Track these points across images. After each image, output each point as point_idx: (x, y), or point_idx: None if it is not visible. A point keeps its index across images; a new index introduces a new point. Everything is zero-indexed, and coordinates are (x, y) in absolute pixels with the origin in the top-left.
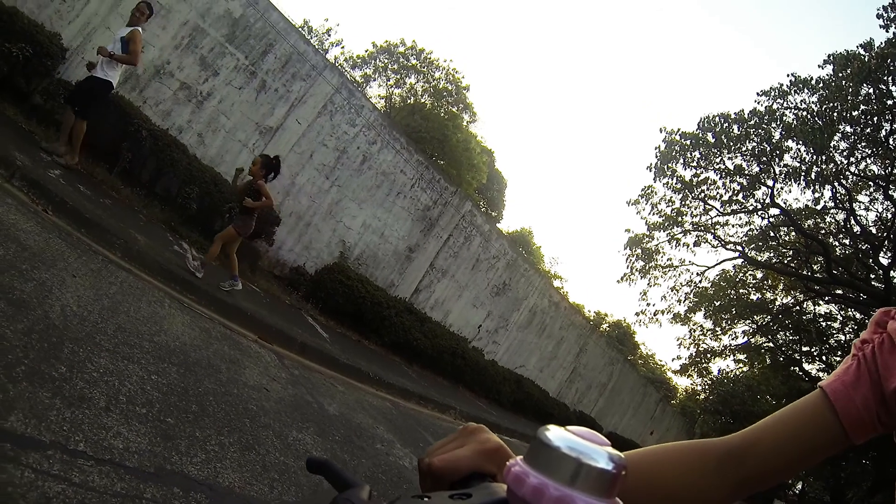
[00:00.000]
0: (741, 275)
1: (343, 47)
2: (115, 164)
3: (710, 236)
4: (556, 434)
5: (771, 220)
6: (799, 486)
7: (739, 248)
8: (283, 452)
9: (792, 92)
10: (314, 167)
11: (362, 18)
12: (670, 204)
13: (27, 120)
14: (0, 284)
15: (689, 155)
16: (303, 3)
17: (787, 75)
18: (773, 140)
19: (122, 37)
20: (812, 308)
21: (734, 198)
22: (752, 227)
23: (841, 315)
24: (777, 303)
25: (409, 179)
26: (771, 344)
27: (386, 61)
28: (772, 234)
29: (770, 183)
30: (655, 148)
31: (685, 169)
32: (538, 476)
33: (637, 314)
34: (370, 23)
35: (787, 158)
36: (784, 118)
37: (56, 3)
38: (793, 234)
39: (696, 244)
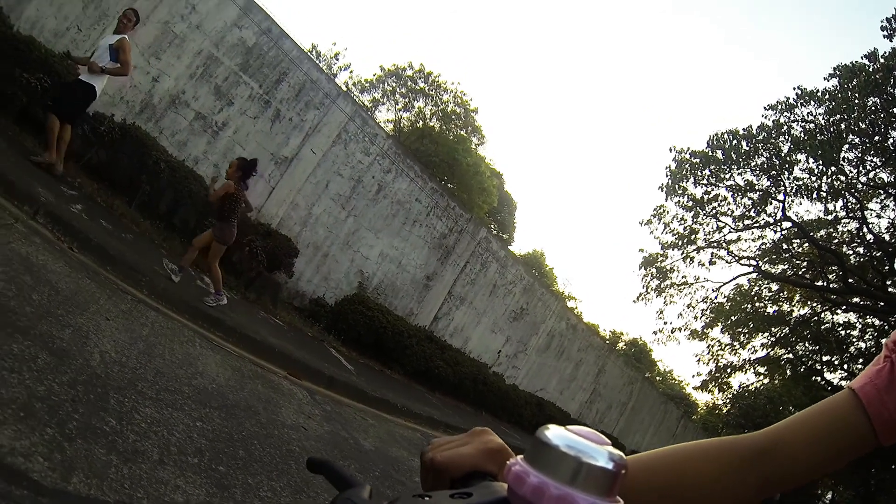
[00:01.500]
0: (756, 288)
1: (351, 71)
2: (133, 196)
3: (723, 252)
4: (556, 433)
5: (783, 232)
6: (829, 495)
7: (753, 262)
8: (331, 493)
9: (799, 105)
10: (330, 197)
11: (369, 41)
12: (682, 222)
13: (46, 151)
14: (40, 333)
15: (699, 173)
16: (310, 27)
17: (794, 88)
18: (782, 154)
19: (110, 44)
20: (830, 317)
21: (746, 213)
22: (765, 240)
23: (860, 323)
24: (794, 314)
25: (424, 208)
26: (790, 355)
27: (394, 85)
28: (785, 246)
29: (781, 197)
30: (666, 167)
31: (696, 187)
32: (538, 475)
33: (655, 333)
34: (377, 46)
35: (796, 171)
36: (792, 131)
37: (72, 32)
38: (806, 245)
39: (712, 262)
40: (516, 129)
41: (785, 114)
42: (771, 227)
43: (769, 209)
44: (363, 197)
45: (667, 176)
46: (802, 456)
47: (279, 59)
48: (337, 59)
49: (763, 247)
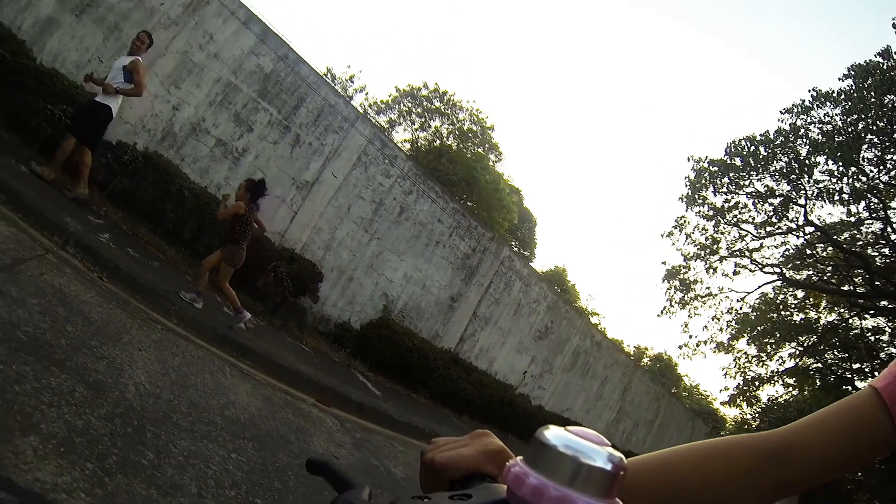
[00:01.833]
0: (781, 296)
1: (367, 93)
2: (157, 223)
3: (746, 261)
4: (555, 434)
5: (806, 237)
6: None
7: (777, 269)
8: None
9: (815, 107)
10: (353, 220)
11: (383, 63)
12: (704, 232)
13: (70, 179)
14: (76, 366)
15: (718, 181)
16: (324, 51)
17: (809, 90)
18: (801, 157)
19: (124, 66)
20: (858, 323)
21: (768, 220)
22: (788, 246)
23: (889, 327)
24: (822, 321)
25: (446, 228)
26: (819, 364)
27: (409, 105)
28: (809, 251)
29: (802, 201)
30: (685, 178)
31: (716, 195)
32: (538, 476)
33: (680, 347)
34: (391, 67)
35: (816, 174)
36: (809, 134)
37: (93, 63)
38: (830, 249)
39: (735, 272)
40: (534, 143)
41: (801, 116)
42: (794, 232)
43: (791, 214)
44: (385, 219)
45: (686, 186)
46: (819, 456)
47: (297, 84)
48: (352, 82)
49: (786, 253)
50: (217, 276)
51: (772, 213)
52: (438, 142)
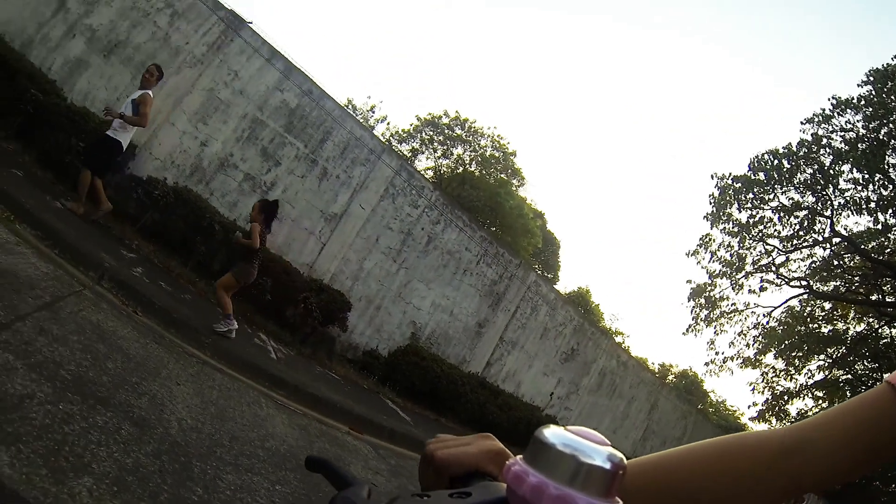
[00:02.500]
0: (809, 309)
1: (388, 123)
2: (188, 256)
3: (772, 276)
4: (555, 433)
5: (833, 248)
6: None
7: (804, 282)
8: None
9: (835, 115)
10: (381, 251)
11: (402, 92)
12: (729, 249)
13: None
14: (120, 403)
15: (742, 197)
16: (343, 80)
17: (829, 99)
18: (825, 168)
19: (132, 99)
20: (888, 332)
21: (794, 233)
22: (814, 258)
23: None
24: (850, 332)
25: (474, 256)
26: (849, 376)
27: (431, 134)
28: (836, 262)
29: (828, 213)
30: (709, 195)
31: (740, 212)
32: (538, 475)
33: (706, 364)
34: (410, 95)
35: (841, 183)
36: (832, 143)
37: (121, 101)
38: (857, 258)
39: (762, 289)
40: (555, 165)
41: (822, 126)
42: (820, 244)
43: (817, 227)
44: (413, 249)
45: (710, 204)
46: (833, 452)
47: (322, 118)
48: (373, 112)
49: (813, 265)
50: (221, 282)
51: (797, 226)
52: (461, 169)
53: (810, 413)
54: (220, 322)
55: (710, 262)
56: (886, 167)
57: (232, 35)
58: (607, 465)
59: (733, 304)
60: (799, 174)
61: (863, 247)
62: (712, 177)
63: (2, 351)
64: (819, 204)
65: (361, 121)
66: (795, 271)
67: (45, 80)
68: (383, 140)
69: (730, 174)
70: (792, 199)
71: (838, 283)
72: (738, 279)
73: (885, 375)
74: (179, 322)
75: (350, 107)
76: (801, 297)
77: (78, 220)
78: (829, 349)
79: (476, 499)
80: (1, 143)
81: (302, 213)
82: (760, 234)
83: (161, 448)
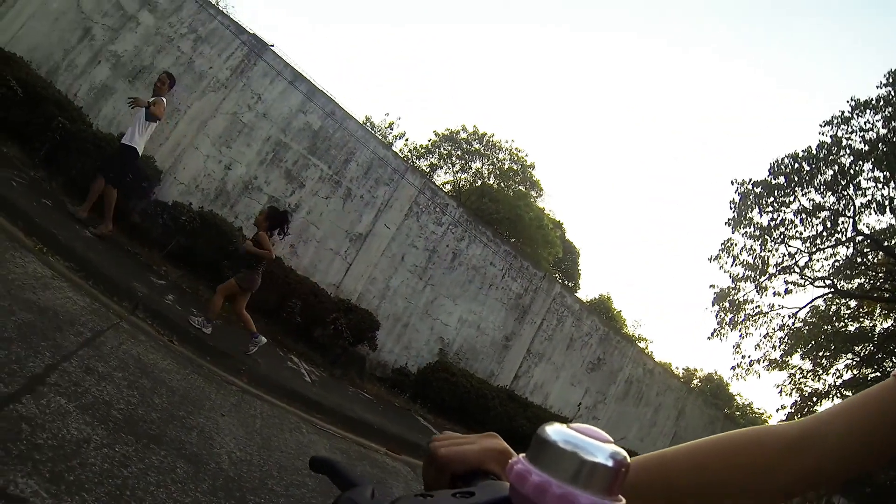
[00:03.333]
0: (834, 307)
1: (406, 139)
2: (215, 280)
3: (796, 276)
4: (557, 431)
5: (856, 246)
6: None
7: (828, 281)
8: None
9: (854, 116)
10: (407, 269)
11: (419, 107)
12: (751, 252)
13: (130, 241)
14: (171, 440)
15: (763, 201)
16: (360, 96)
17: (848, 101)
18: (845, 168)
19: (146, 106)
20: None
21: (817, 234)
22: (837, 257)
23: None
24: (877, 329)
25: (498, 271)
26: (878, 374)
27: (449, 148)
28: (859, 259)
29: (849, 213)
30: (730, 201)
31: (761, 215)
32: (541, 474)
33: (733, 368)
34: (427, 109)
35: (862, 182)
36: (851, 144)
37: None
38: (880, 255)
39: (787, 292)
40: (573, 172)
41: (842, 127)
42: (843, 244)
43: (839, 226)
44: (439, 266)
45: (731, 209)
46: (844, 444)
47: (345, 139)
48: (391, 129)
49: (836, 264)
50: (234, 304)
51: (818, 225)
52: (480, 182)
53: None
54: (249, 343)
55: (732, 266)
56: None
57: (255, 59)
58: (610, 463)
59: (757, 306)
60: (819, 176)
61: (886, 244)
62: (732, 182)
63: (54, 395)
64: (840, 204)
65: (380, 137)
66: (819, 271)
67: (71, 107)
68: (405, 159)
69: (750, 179)
70: (813, 200)
71: (862, 281)
72: (762, 282)
73: (893, 371)
74: (214, 350)
75: (368, 124)
76: (825, 297)
77: (108, 249)
78: (856, 347)
79: (479, 498)
80: (28, 170)
81: (327, 233)
82: (782, 236)
83: (216, 484)
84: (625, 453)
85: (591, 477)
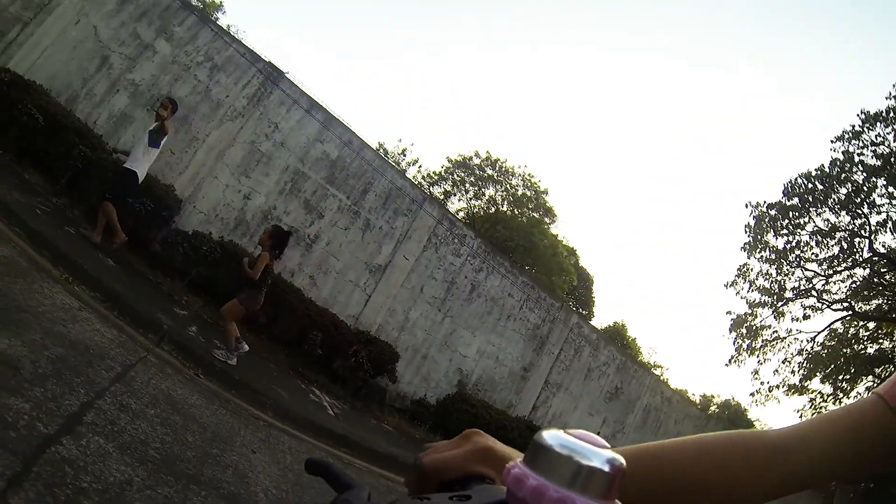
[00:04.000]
0: (852, 329)
1: (420, 166)
2: None
3: (813, 300)
4: (554, 436)
5: (873, 268)
6: None
7: (846, 303)
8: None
9: (865, 129)
10: (426, 301)
11: (431, 133)
12: (768, 277)
13: (152, 270)
14: (209, 479)
15: (778, 224)
16: (372, 122)
17: (858, 114)
18: (858, 185)
19: (150, 130)
20: None
21: (833, 256)
22: (854, 279)
23: None
24: None
25: (516, 302)
26: None
27: (462, 175)
28: (876, 280)
29: (864, 232)
30: (745, 225)
31: (777, 238)
32: (537, 478)
33: (752, 395)
34: (440, 136)
35: (876, 199)
36: (864, 160)
37: (165, 155)
38: None
39: (806, 317)
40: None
41: (853, 142)
42: (860, 265)
43: (855, 247)
44: (458, 297)
45: (746, 233)
46: (823, 452)
47: (363, 169)
48: (404, 155)
49: (853, 286)
50: (226, 309)
51: (834, 246)
52: (493, 209)
53: None
54: (221, 352)
55: (748, 291)
56: None
57: (271, 87)
58: (607, 468)
59: (775, 331)
60: (833, 194)
61: None
62: (746, 205)
63: (93, 435)
64: (855, 223)
65: (394, 165)
66: (836, 293)
67: (91, 136)
68: (420, 186)
69: (764, 202)
70: (827, 220)
71: (880, 302)
72: (779, 307)
73: (874, 389)
74: (240, 383)
75: (381, 150)
76: (843, 319)
77: (130, 277)
78: (876, 369)
79: (476, 501)
80: (51, 197)
81: (346, 265)
82: (798, 259)
83: None
84: (622, 459)
85: (588, 481)
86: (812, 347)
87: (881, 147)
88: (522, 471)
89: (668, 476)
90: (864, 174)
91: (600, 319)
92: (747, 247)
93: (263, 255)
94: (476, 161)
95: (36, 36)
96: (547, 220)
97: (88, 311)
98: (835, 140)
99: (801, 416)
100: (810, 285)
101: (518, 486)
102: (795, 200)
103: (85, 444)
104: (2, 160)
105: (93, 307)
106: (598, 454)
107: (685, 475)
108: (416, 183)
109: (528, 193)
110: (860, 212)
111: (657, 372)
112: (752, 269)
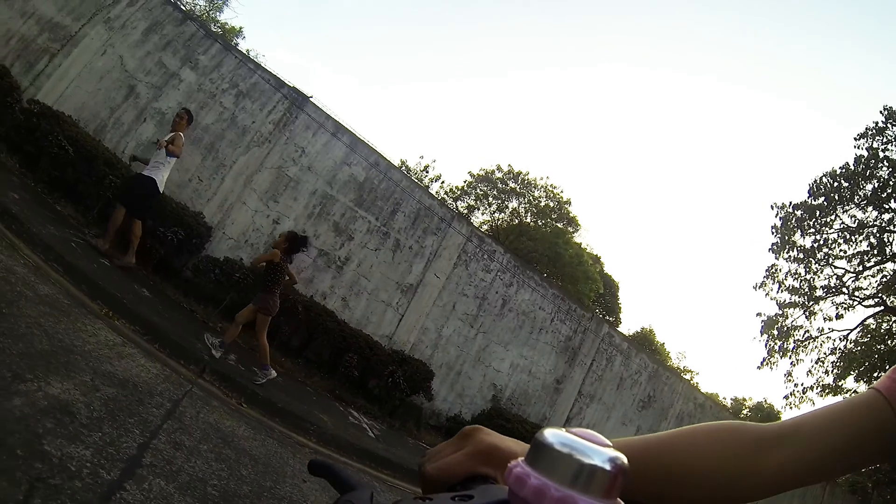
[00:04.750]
0: (885, 325)
1: (443, 182)
2: (271, 336)
3: (844, 297)
4: (556, 435)
5: None
6: None
7: (877, 298)
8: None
9: (889, 126)
10: (458, 317)
11: (453, 148)
12: (797, 277)
13: (185, 297)
14: None
15: (805, 224)
16: (393, 139)
17: (881, 110)
18: (884, 180)
19: (165, 139)
20: None
21: (862, 252)
22: (885, 273)
23: None
24: None
25: (547, 315)
26: None
27: (485, 189)
28: None
29: (893, 227)
30: (772, 227)
31: (804, 237)
32: (539, 477)
33: (786, 398)
34: (461, 151)
35: None
36: (889, 155)
37: (194, 182)
38: None
39: (839, 316)
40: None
41: (877, 138)
42: (890, 259)
43: (885, 242)
44: (489, 313)
45: (773, 234)
46: (821, 445)
47: (391, 190)
48: (427, 172)
49: (884, 280)
50: (255, 330)
51: (864, 243)
52: (517, 221)
53: None
54: (259, 373)
55: (778, 292)
56: None
57: (296, 112)
58: (608, 467)
59: (807, 332)
60: (859, 191)
61: None
62: (772, 207)
63: (153, 477)
64: (882, 218)
65: (419, 182)
66: (867, 289)
67: (121, 165)
68: (447, 204)
69: (790, 202)
70: (854, 217)
71: None
72: (810, 306)
73: (872, 384)
74: (283, 411)
75: (404, 168)
76: (876, 315)
77: (167, 308)
78: None
79: (478, 501)
80: (83, 228)
81: (378, 285)
82: (827, 257)
83: None
84: (623, 457)
85: (590, 480)
86: (845, 346)
87: None
88: (524, 470)
89: (674, 464)
90: (890, 169)
91: (628, 325)
92: (775, 247)
93: (273, 251)
94: (498, 175)
95: (63, 67)
96: (570, 229)
97: (132, 346)
98: (858, 137)
99: None
100: (840, 282)
101: (519, 486)
102: (821, 199)
103: (147, 487)
104: (33, 192)
105: (135, 342)
106: (600, 452)
107: (683, 471)
108: (442, 200)
109: (551, 204)
110: (887, 206)
111: (687, 377)
112: (780, 270)
